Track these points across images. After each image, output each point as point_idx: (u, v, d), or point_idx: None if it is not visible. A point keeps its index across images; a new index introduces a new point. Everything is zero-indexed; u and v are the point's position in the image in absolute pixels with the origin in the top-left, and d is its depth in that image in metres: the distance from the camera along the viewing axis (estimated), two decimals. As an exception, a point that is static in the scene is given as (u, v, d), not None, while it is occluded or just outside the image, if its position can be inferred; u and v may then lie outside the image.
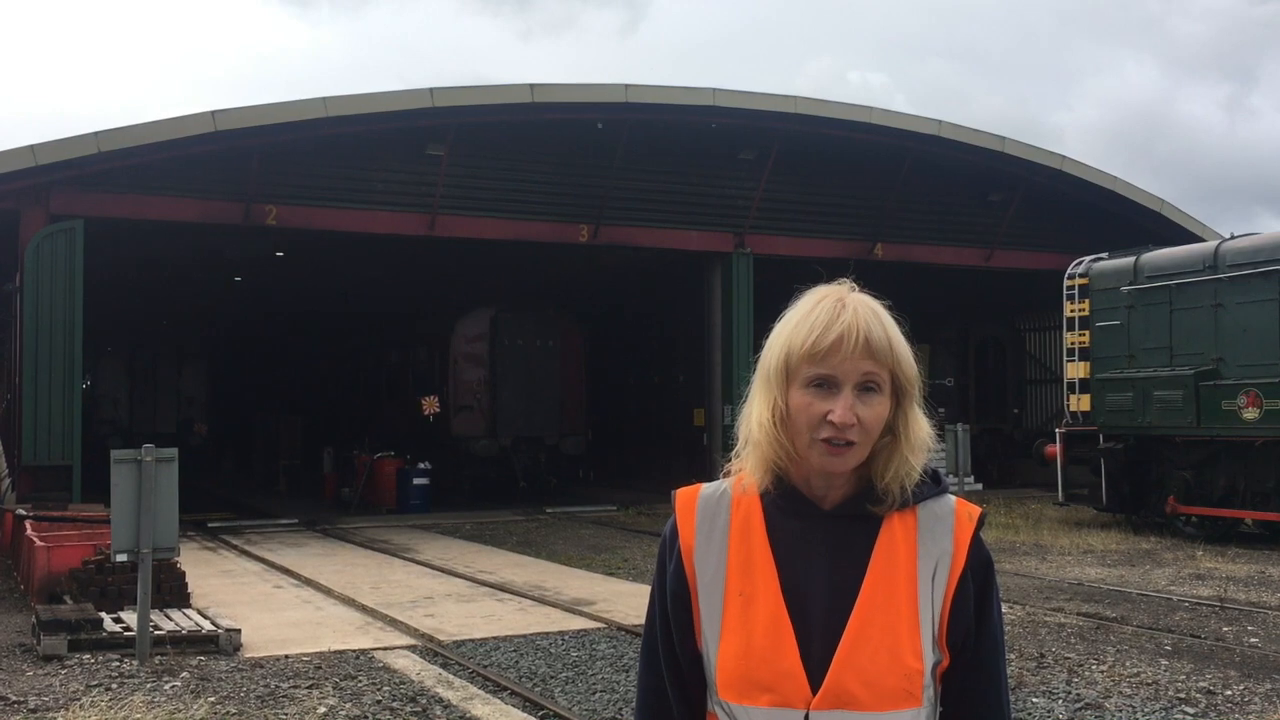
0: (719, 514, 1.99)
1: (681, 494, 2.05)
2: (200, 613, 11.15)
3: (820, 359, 1.89)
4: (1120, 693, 8.43)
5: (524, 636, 10.70)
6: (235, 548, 18.11)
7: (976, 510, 2.00)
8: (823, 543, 1.93)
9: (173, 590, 11.66)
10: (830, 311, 1.91)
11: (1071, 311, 20.09)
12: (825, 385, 1.89)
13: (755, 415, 1.96)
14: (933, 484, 1.98)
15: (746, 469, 1.99)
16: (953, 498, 2.00)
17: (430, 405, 25.46)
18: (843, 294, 1.95)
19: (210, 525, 20.77)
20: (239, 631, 10.32)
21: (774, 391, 1.93)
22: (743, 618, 1.91)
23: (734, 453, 2.02)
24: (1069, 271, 20.32)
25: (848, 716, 1.85)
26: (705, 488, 2.05)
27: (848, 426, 1.87)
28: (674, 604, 2.00)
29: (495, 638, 10.68)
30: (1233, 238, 18.53)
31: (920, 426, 1.96)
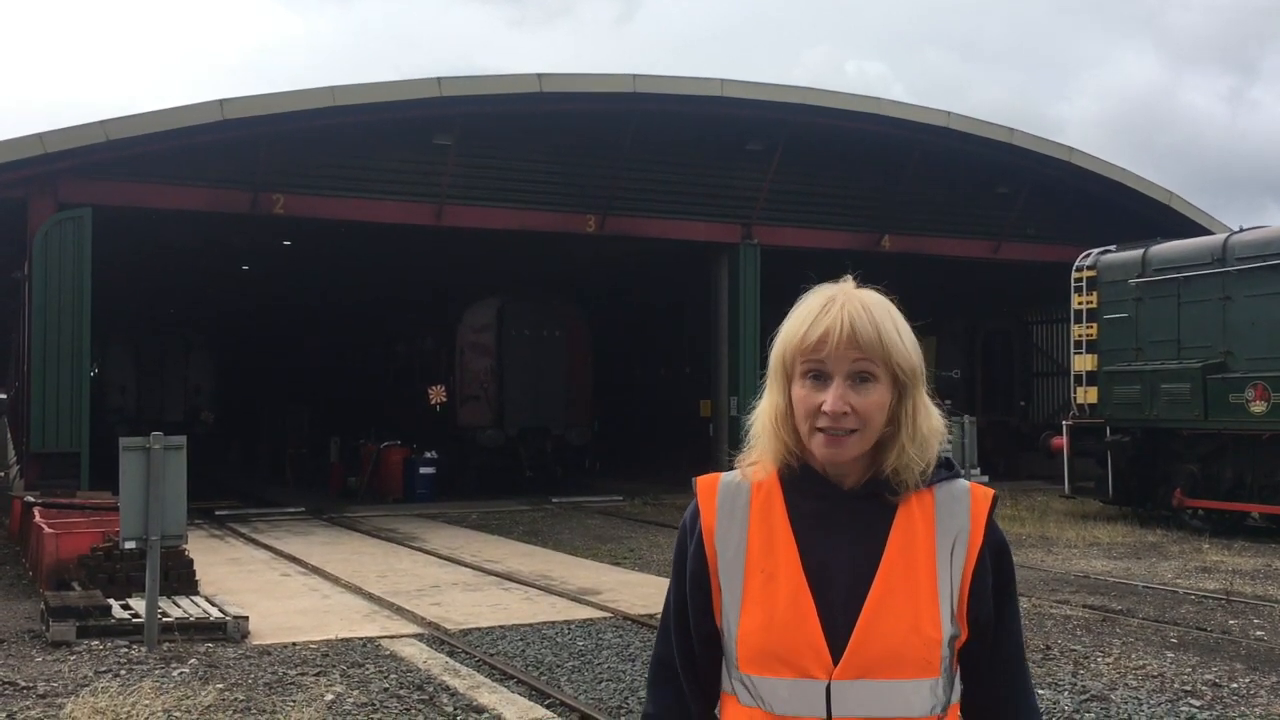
0: (739, 495, 2.04)
1: (703, 480, 2.11)
2: (208, 600, 11.19)
3: (810, 351, 1.95)
4: (1126, 685, 8.44)
5: (530, 625, 10.73)
6: (243, 536, 18.16)
7: (990, 491, 2.06)
8: (843, 521, 1.99)
9: (181, 577, 11.71)
10: (820, 306, 1.98)
11: (1079, 304, 20.06)
12: (820, 377, 1.96)
13: (759, 413, 2.05)
14: (945, 469, 2.04)
15: (760, 460, 2.06)
16: (965, 481, 2.06)
17: (437, 395, 25.49)
18: (839, 289, 2.00)
19: (218, 513, 20.82)
20: (246, 619, 10.36)
21: (777, 389, 2.01)
22: (764, 593, 1.96)
23: (743, 449, 2.09)
24: (1077, 264, 20.28)
25: (869, 685, 1.90)
26: (726, 474, 2.10)
27: (839, 415, 1.93)
28: (692, 584, 2.06)
29: (501, 626, 10.71)
30: (1241, 231, 18.49)
31: (925, 419, 2.00)
